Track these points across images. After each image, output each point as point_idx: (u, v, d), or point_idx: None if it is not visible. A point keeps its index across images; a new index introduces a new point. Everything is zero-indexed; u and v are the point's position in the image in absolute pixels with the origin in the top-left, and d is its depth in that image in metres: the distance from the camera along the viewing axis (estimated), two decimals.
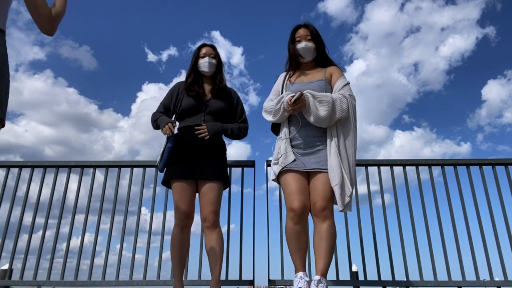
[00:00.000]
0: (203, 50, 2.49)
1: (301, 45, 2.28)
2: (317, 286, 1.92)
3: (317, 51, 2.31)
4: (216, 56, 2.50)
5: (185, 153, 2.29)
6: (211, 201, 2.23)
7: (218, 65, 2.51)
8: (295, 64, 2.35)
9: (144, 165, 3.11)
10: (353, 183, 2.10)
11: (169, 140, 2.24)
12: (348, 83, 2.20)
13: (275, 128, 2.36)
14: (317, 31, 2.32)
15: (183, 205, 2.24)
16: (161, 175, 2.43)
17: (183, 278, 2.36)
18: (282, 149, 2.15)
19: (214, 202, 2.24)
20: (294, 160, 2.11)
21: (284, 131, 2.21)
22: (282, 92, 2.29)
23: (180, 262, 2.28)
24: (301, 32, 2.31)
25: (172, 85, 2.60)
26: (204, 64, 2.45)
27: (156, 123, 2.40)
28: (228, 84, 2.58)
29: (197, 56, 2.49)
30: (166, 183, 2.37)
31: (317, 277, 1.95)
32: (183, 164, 2.27)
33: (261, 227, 2.87)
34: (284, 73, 2.41)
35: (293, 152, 2.12)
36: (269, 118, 2.26)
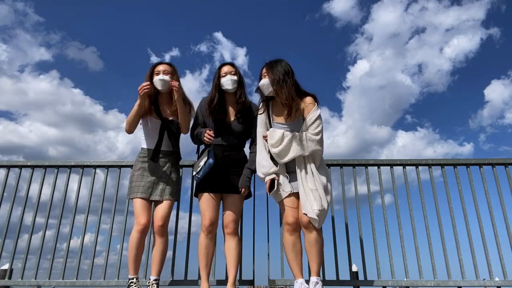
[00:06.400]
0: (224, 69, 2.60)
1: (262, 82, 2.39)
2: (315, 287, 2.22)
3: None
4: (237, 72, 2.61)
5: (212, 169, 2.47)
6: (232, 211, 2.49)
7: (239, 81, 2.61)
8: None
9: None
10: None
11: (209, 154, 2.44)
12: (318, 117, 2.36)
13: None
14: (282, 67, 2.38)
15: (208, 214, 2.47)
16: None
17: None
18: (282, 182, 2.39)
19: (235, 212, 2.50)
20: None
21: (283, 166, 2.39)
22: (269, 127, 2.45)
23: (206, 264, 2.47)
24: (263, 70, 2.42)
25: None
26: (227, 82, 2.56)
27: (196, 137, 2.58)
28: None
29: (218, 76, 2.61)
30: (196, 194, 2.59)
31: (313, 279, 2.25)
32: (211, 179, 2.50)
33: (261, 227, 2.89)
34: (263, 103, 2.52)
35: (291, 186, 2.38)
36: (261, 176, 2.41)
